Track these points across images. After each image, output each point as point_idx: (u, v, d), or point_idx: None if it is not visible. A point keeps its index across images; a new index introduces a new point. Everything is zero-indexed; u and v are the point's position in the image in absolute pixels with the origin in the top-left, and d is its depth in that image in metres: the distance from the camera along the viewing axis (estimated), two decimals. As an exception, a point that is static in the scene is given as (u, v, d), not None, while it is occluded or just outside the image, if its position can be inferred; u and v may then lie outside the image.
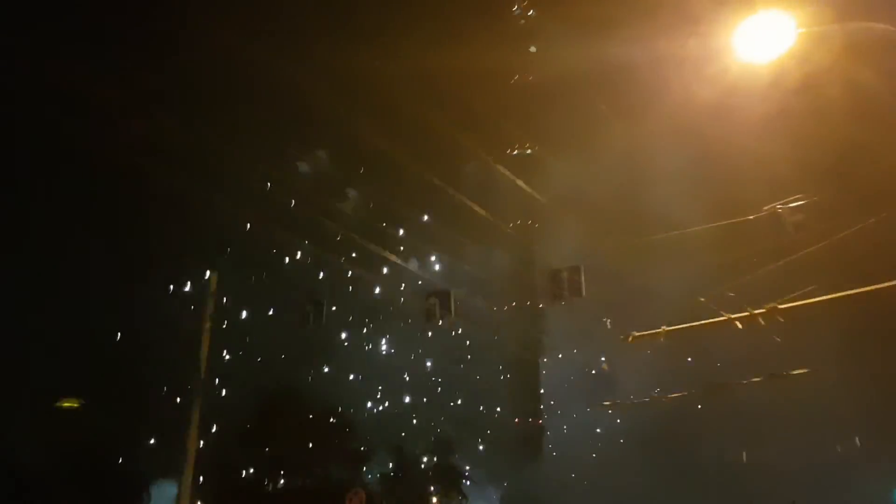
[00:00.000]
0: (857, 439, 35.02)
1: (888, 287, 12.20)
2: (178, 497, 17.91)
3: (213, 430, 45.73)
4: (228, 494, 48.34)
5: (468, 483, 60.57)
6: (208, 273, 19.14)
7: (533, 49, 56.07)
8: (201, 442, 18.34)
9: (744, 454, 42.38)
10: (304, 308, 18.59)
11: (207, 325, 18.11)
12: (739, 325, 14.73)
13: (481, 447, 74.19)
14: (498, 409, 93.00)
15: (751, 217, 14.48)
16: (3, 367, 46.35)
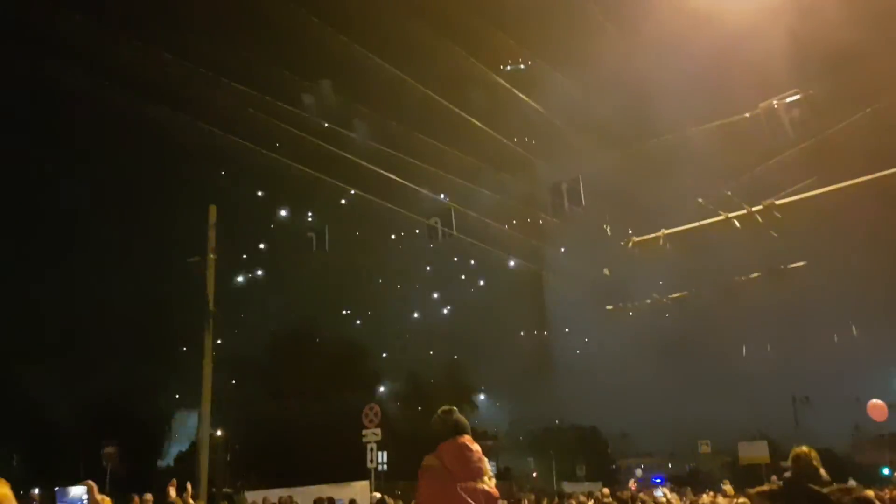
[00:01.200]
0: (853, 328, 35.51)
1: (880, 177, 12.28)
2: (198, 425, 18.46)
3: (231, 363, 46.76)
4: (248, 423, 49.68)
5: (481, 396, 62.15)
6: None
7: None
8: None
9: (743, 348, 43.21)
10: (305, 235, 18.71)
11: (211, 256, 18.34)
12: (738, 224, 14.87)
13: (492, 361, 75.60)
14: (506, 324, 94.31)
15: (747, 115, 14.41)
16: (28, 322, 47.38)
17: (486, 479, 4.03)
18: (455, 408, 4.26)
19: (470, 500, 3.90)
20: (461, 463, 3.97)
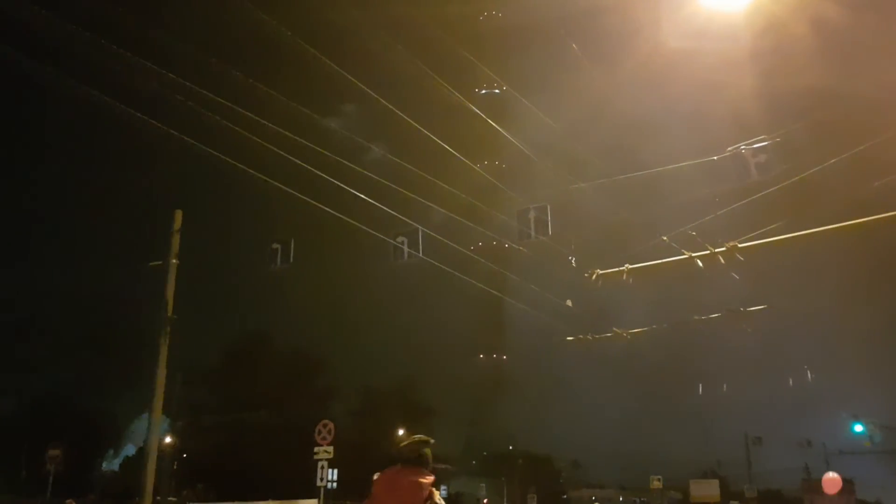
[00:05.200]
0: (808, 373, 36.31)
1: (841, 227, 12.50)
2: (147, 433, 18.07)
3: (184, 370, 45.99)
4: (200, 432, 48.85)
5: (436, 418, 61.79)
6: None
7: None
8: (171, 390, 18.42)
9: (699, 386, 43.79)
10: (270, 247, 18.43)
11: (173, 262, 18.05)
12: (700, 264, 15.00)
13: (449, 384, 75.46)
14: (465, 347, 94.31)
15: (715, 158, 14.58)
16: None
17: None
18: (418, 437, 4.38)
19: None
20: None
